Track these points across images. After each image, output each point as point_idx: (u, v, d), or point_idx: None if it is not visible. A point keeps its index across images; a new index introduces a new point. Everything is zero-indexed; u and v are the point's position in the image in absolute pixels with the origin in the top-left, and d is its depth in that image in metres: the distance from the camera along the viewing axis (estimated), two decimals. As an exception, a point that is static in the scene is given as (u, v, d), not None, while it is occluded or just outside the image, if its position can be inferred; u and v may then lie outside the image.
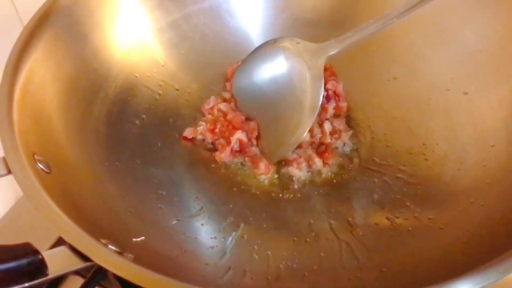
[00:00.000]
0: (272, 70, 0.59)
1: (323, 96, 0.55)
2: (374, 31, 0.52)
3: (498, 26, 0.58)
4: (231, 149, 0.59)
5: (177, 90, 0.65)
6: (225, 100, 0.64)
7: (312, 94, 0.54)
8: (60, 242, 0.38)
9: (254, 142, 0.59)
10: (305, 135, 0.57)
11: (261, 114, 0.59)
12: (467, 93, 0.58)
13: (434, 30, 0.63)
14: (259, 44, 0.61)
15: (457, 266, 0.37)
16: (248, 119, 0.60)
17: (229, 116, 0.61)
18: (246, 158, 0.59)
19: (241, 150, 0.59)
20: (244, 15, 0.70)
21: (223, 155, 0.58)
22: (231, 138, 0.58)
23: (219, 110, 0.62)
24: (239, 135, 0.59)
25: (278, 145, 0.57)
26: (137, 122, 0.61)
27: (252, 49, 0.62)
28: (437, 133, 0.58)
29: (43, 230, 0.50)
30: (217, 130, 0.60)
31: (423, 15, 0.64)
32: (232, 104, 0.63)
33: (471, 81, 0.59)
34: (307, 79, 0.55)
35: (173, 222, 0.52)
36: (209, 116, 0.62)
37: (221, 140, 0.59)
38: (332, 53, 0.55)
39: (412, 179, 0.55)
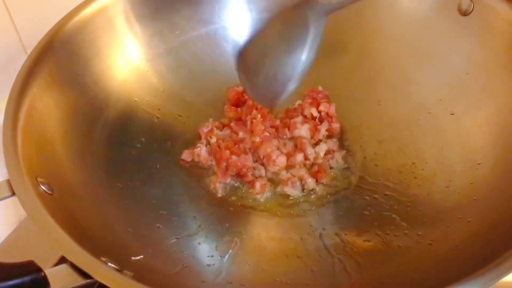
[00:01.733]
0: (278, 24, 0.54)
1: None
2: None
3: (483, 50, 0.60)
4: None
5: (176, 113, 0.67)
6: (224, 126, 0.66)
7: (309, 51, 0.50)
8: (62, 260, 0.39)
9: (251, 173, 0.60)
10: (294, 87, 0.52)
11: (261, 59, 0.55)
12: (454, 114, 0.60)
13: (422, 54, 0.65)
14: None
15: (445, 280, 0.38)
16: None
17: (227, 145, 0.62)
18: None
19: (237, 174, 0.60)
20: (240, 41, 0.71)
21: (218, 185, 0.60)
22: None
23: (218, 138, 0.63)
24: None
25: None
26: (137, 145, 0.62)
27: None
28: (427, 152, 0.60)
29: (45, 249, 0.51)
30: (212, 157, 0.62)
31: (412, 41, 0.66)
32: (229, 131, 0.64)
33: (458, 102, 0.61)
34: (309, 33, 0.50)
35: (172, 241, 0.53)
36: (213, 139, 0.63)
37: (217, 168, 0.61)
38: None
39: (402, 197, 0.57)
